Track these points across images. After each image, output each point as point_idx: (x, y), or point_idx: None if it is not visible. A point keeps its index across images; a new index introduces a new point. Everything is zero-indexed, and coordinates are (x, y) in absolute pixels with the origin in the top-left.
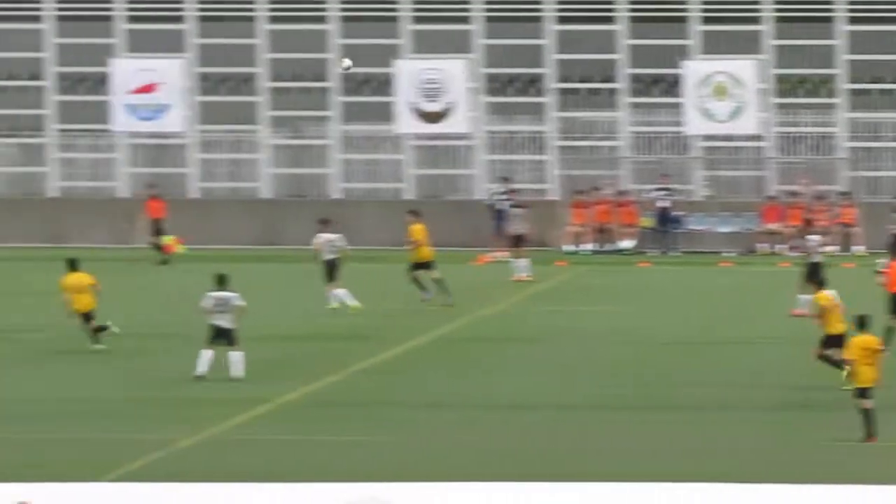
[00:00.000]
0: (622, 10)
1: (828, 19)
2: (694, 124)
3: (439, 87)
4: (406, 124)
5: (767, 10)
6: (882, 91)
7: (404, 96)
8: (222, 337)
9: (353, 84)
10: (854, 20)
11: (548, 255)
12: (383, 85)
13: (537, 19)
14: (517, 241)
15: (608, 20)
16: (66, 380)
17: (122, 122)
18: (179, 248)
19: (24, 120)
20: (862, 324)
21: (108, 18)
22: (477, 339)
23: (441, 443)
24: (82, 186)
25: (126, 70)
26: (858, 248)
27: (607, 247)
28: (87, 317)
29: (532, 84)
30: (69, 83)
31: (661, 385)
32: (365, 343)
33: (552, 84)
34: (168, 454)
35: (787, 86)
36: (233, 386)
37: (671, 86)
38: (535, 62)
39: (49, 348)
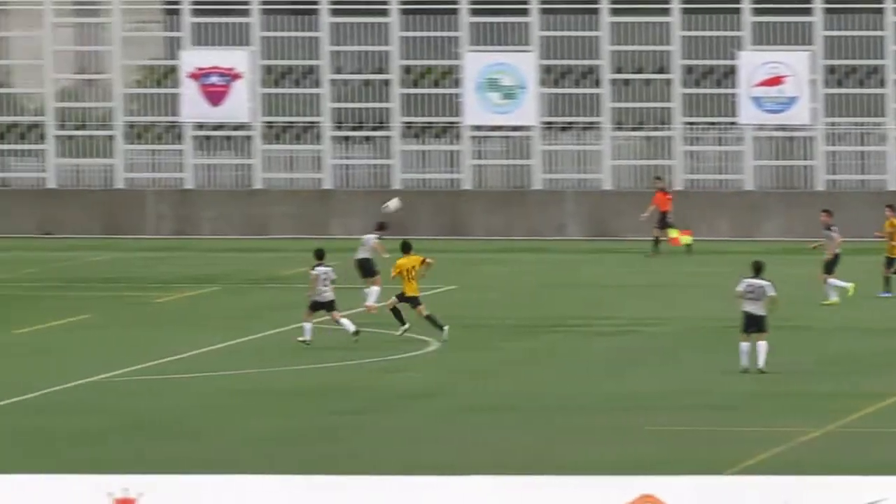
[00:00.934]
0: None
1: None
2: None
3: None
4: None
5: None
6: None
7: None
8: (753, 325)
9: None
10: None
11: None
12: None
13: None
14: None
15: None
16: (689, 371)
17: (748, 114)
18: (685, 240)
19: (651, 113)
20: None
21: (736, 11)
22: None
23: None
24: (707, 179)
25: (752, 63)
26: None
27: None
28: None
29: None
30: (695, 76)
31: None
32: None
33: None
34: (790, 448)
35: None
36: (852, 380)
37: None
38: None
39: (675, 342)
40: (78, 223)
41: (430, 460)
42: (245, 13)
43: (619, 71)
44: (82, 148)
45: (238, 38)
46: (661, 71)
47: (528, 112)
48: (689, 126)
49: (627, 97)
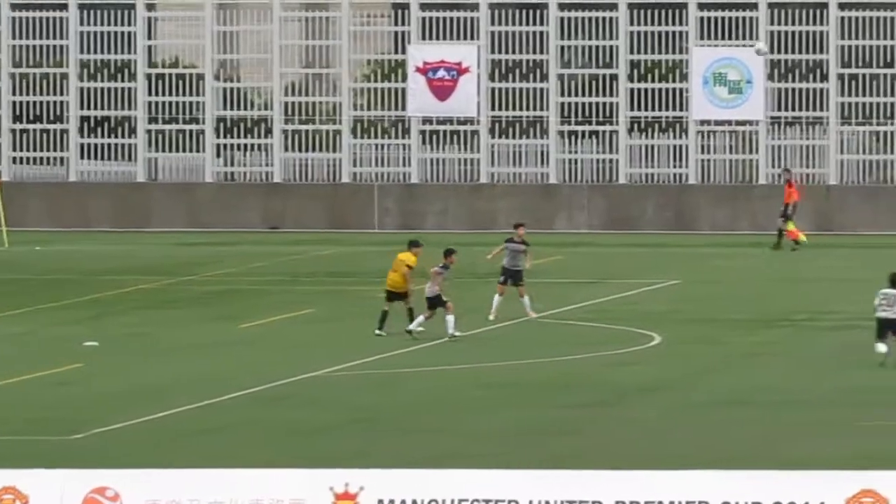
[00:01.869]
0: None
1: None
2: None
3: None
4: None
5: None
6: None
7: None
8: (887, 328)
9: None
10: None
11: None
12: None
13: None
14: None
15: None
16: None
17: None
18: (802, 238)
19: (878, 107)
20: None
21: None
22: None
23: None
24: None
25: None
26: None
27: None
28: None
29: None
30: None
31: None
32: None
33: None
34: None
35: None
36: None
37: None
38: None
39: None
40: (304, 217)
41: (660, 455)
42: (472, 7)
43: (846, 65)
44: (309, 142)
45: (465, 32)
46: (888, 65)
47: (754, 107)
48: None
49: (854, 92)
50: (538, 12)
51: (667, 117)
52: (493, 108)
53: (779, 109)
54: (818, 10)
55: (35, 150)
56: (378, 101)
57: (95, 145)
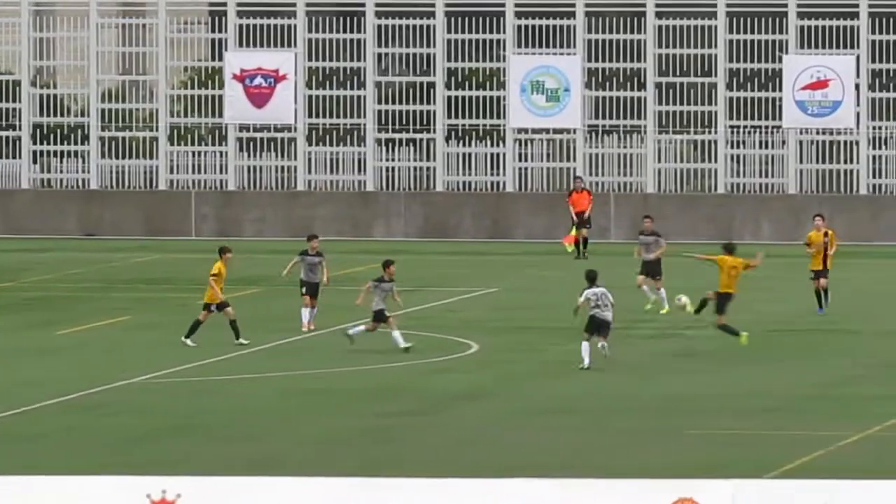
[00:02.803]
0: None
1: None
2: None
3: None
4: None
5: None
6: None
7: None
8: (600, 328)
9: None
10: None
11: None
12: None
13: None
14: None
15: None
16: (734, 375)
17: (792, 118)
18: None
19: (695, 116)
20: None
21: (781, 14)
22: None
23: None
24: (751, 183)
25: (797, 66)
26: None
27: None
28: None
29: None
30: (739, 80)
31: None
32: None
33: None
34: (830, 451)
35: None
36: None
37: None
38: None
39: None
40: (120, 224)
41: (476, 462)
42: (290, 15)
43: (663, 74)
44: (125, 149)
45: (283, 39)
46: (705, 74)
47: (572, 115)
48: (732, 129)
49: (672, 100)
50: (355, 20)
51: (484, 125)
52: (310, 116)
53: (596, 118)
54: (635, 18)
55: None
56: (195, 108)
57: None
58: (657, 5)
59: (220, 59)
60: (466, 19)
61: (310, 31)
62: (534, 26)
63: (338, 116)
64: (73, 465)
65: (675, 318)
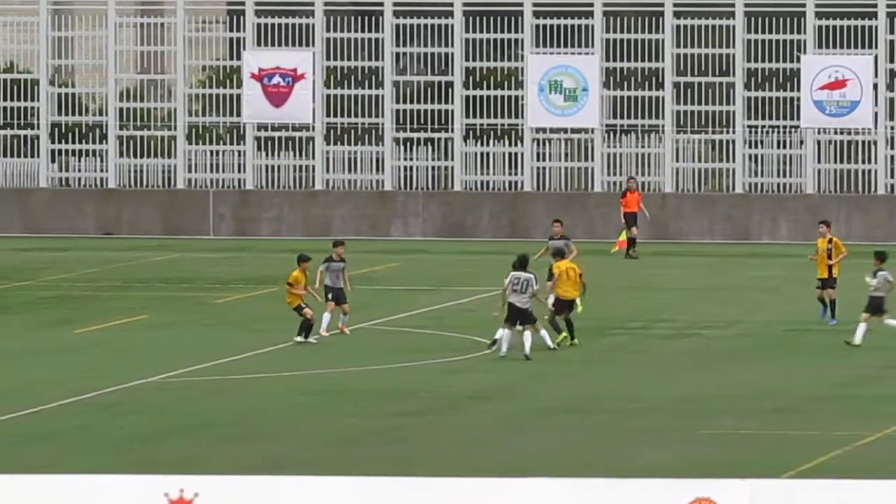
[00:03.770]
0: None
1: None
2: None
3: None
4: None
5: None
6: None
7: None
8: (517, 316)
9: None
10: None
11: None
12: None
13: None
14: None
15: None
16: (750, 375)
17: (810, 118)
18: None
19: (713, 116)
20: None
21: (799, 14)
22: None
23: None
24: (768, 182)
25: (815, 66)
26: None
27: None
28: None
29: None
30: (757, 79)
31: None
32: None
33: None
34: (847, 451)
35: None
36: None
37: None
38: None
39: (736, 345)
40: (138, 223)
41: (490, 462)
42: (308, 14)
43: (681, 74)
44: (144, 148)
45: (301, 38)
46: (723, 74)
47: (590, 114)
48: (750, 129)
49: (689, 100)
50: (374, 19)
51: (502, 125)
52: (328, 115)
53: (614, 117)
54: (654, 18)
55: None
56: (213, 108)
57: None
58: (675, 5)
59: (238, 58)
60: (484, 19)
61: (328, 30)
62: (552, 26)
63: (356, 116)
64: (89, 464)
65: (692, 317)
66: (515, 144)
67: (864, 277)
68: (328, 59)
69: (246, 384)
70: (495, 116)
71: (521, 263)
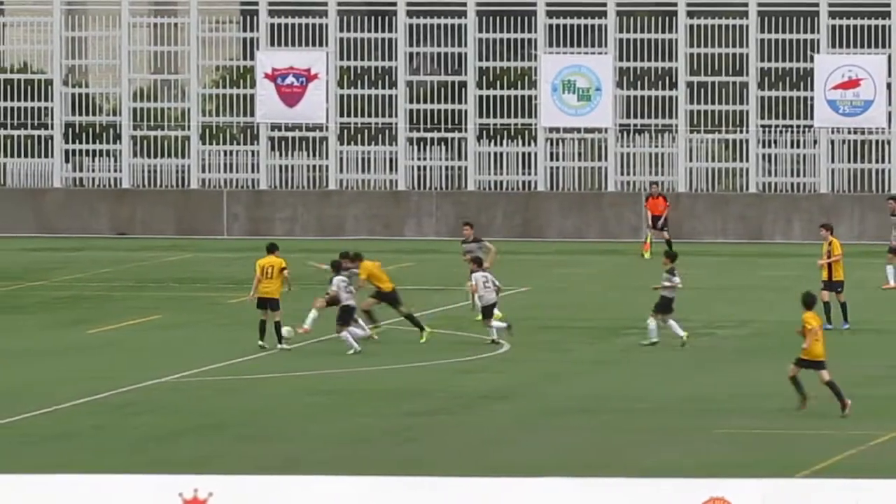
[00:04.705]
0: None
1: None
2: None
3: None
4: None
5: None
6: None
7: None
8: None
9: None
10: None
11: None
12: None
13: None
14: None
15: None
16: (762, 374)
17: (823, 117)
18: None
19: (726, 116)
20: None
21: (813, 14)
22: None
23: None
24: (782, 182)
25: (828, 66)
26: None
27: None
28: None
29: None
30: (771, 79)
31: None
32: None
33: None
34: (861, 451)
35: None
36: None
37: None
38: None
39: (748, 345)
40: (152, 223)
41: (502, 462)
42: (321, 14)
43: (694, 73)
44: (157, 148)
45: (314, 38)
46: (737, 73)
47: (603, 114)
48: (764, 129)
49: (703, 100)
50: (387, 19)
51: (515, 125)
52: (341, 115)
53: (628, 117)
54: (667, 17)
55: None
56: (227, 108)
57: None
58: (689, 4)
59: (252, 58)
60: (498, 18)
61: (341, 30)
62: (565, 25)
63: (369, 116)
64: (103, 464)
65: (706, 316)
66: (529, 144)
67: None
68: (341, 59)
69: (259, 384)
70: (508, 116)
71: (479, 262)
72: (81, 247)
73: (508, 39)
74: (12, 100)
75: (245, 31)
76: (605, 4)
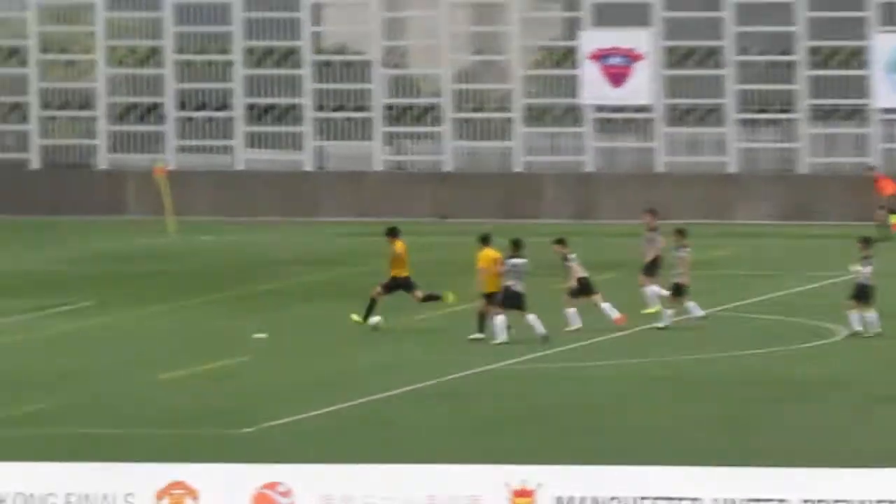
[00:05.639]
0: None
1: None
2: None
3: None
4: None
5: None
6: None
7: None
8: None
9: None
10: None
11: None
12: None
13: None
14: None
15: None
16: None
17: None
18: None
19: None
20: None
21: None
22: None
23: None
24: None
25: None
26: None
27: None
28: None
29: None
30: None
31: None
32: None
33: None
34: None
35: None
36: None
37: None
38: None
39: None
40: (474, 207)
41: (846, 451)
42: None
43: None
44: (480, 131)
45: (639, 18)
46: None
47: None
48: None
49: None
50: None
51: (849, 105)
52: (668, 96)
53: None
54: None
55: (201, 138)
56: (550, 89)
57: (262, 133)
58: None
59: (576, 38)
60: None
61: (667, 9)
62: None
63: (697, 96)
64: (428, 454)
65: None
66: (862, 125)
67: None
68: (667, 38)
69: (589, 371)
70: (841, 97)
71: (517, 245)
72: (402, 231)
73: (839, 18)
74: (331, 81)
75: (568, 11)
76: None
